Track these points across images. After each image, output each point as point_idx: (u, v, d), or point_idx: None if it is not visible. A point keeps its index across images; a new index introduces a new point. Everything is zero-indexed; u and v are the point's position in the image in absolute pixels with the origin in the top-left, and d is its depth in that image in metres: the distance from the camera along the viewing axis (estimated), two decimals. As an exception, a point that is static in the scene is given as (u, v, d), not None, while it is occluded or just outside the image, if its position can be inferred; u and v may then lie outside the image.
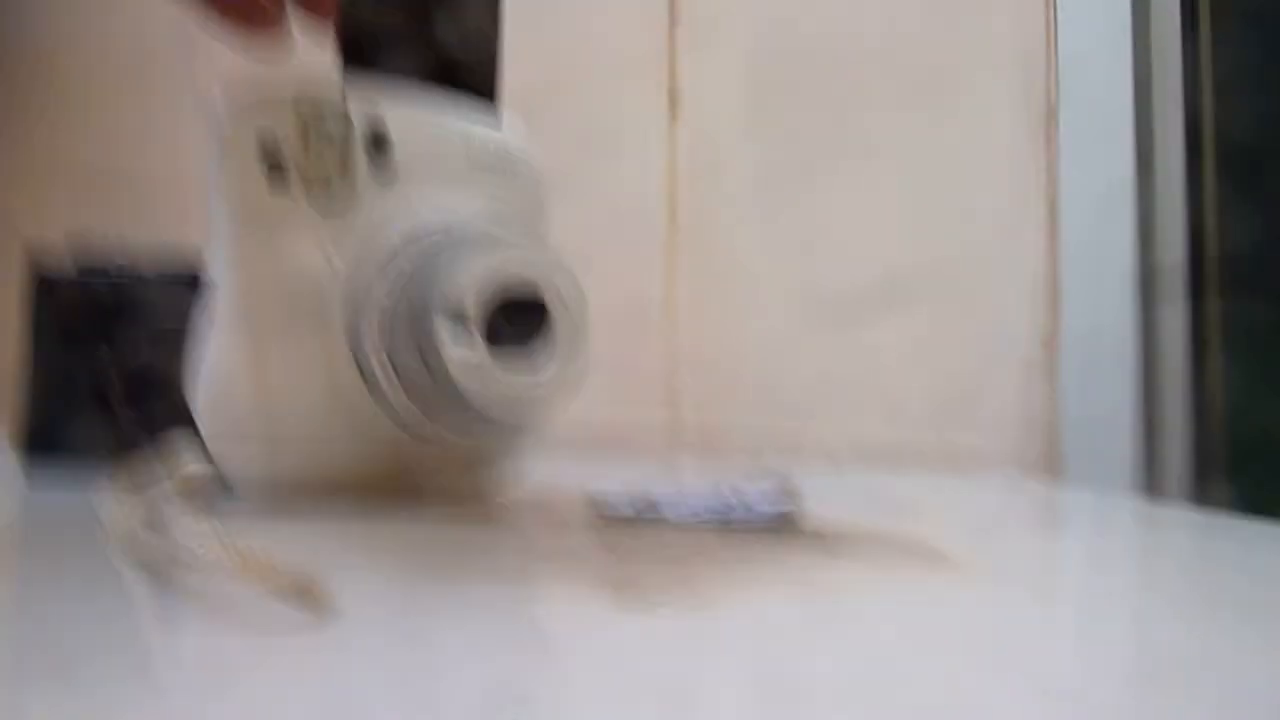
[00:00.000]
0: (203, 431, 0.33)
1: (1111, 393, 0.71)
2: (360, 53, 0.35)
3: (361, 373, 0.32)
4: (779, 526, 0.33)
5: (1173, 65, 0.72)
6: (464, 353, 0.29)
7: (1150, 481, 0.71)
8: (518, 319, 0.32)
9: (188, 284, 0.39)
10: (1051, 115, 0.74)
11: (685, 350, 0.75)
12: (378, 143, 0.33)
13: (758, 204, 0.75)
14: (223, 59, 0.34)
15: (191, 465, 0.32)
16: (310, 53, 0.34)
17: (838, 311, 0.74)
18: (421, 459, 0.34)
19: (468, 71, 0.37)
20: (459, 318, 0.29)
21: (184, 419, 0.33)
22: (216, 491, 0.33)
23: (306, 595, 0.18)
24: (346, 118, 0.33)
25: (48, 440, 0.39)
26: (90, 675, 0.15)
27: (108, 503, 0.27)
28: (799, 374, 0.74)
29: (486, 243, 0.31)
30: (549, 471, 0.40)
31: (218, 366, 0.32)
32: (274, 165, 0.32)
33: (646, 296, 0.75)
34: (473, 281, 0.30)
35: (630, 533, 0.31)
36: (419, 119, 0.35)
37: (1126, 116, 0.72)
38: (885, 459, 0.72)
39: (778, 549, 0.28)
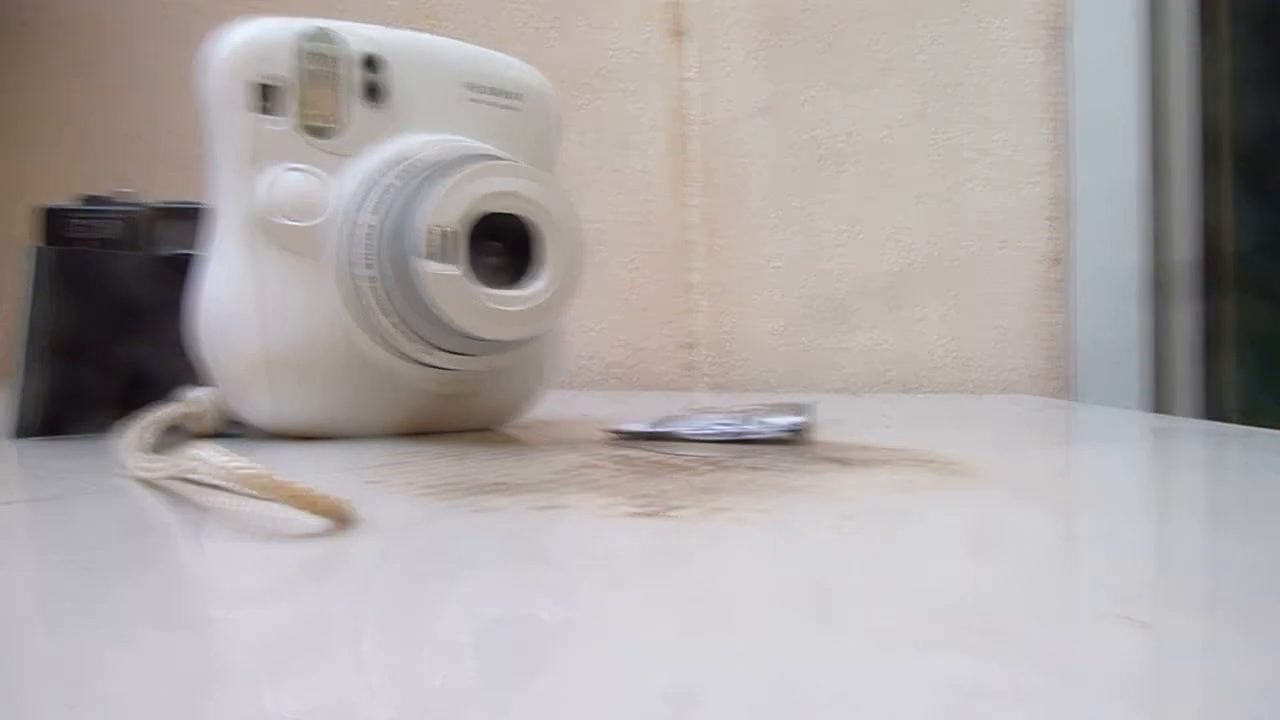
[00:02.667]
0: (204, 358, 0.33)
1: (1123, 313, 0.70)
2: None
3: (353, 292, 0.32)
4: (791, 440, 0.33)
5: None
6: (437, 266, 0.30)
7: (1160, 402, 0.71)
8: (511, 244, 0.33)
9: (188, 213, 0.39)
10: (1065, 30, 0.72)
11: (700, 281, 0.75)
12: (371, 65, 0.33)
13: (769, 126, 0.74)
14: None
15: (196, 395, 0.33)
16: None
17: (852, 237, 0.73)
18: (423, 384, 0.34)
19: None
20: (438, 233, 0.30)
21: (186, 348, 0.33)
22: (222, 419, 0.33)
23: (328, 508, 0.18)
24: (339, 41, 0.33)
25: (56, 385, 0.38)
26: (131, 578, 0.16)
27: (122, 436, 0.27)
28: (816, 302, 0.74)
29: (474, 162, 0.31)
30: (567, 402, 0.41)
31: (215, 292, 0.32)
32: (268, 91, 0.32)
33: (658, 227, 0.75)
34: (454, 197, 0.30)
35: (647, 448, 0.32)
36: (416, 44, 0.35)
37: (1141, 40, 0.71)
38: (903, 385, 0.73)
39: (791, 460, 0.29)
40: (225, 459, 0.19)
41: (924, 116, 0.73)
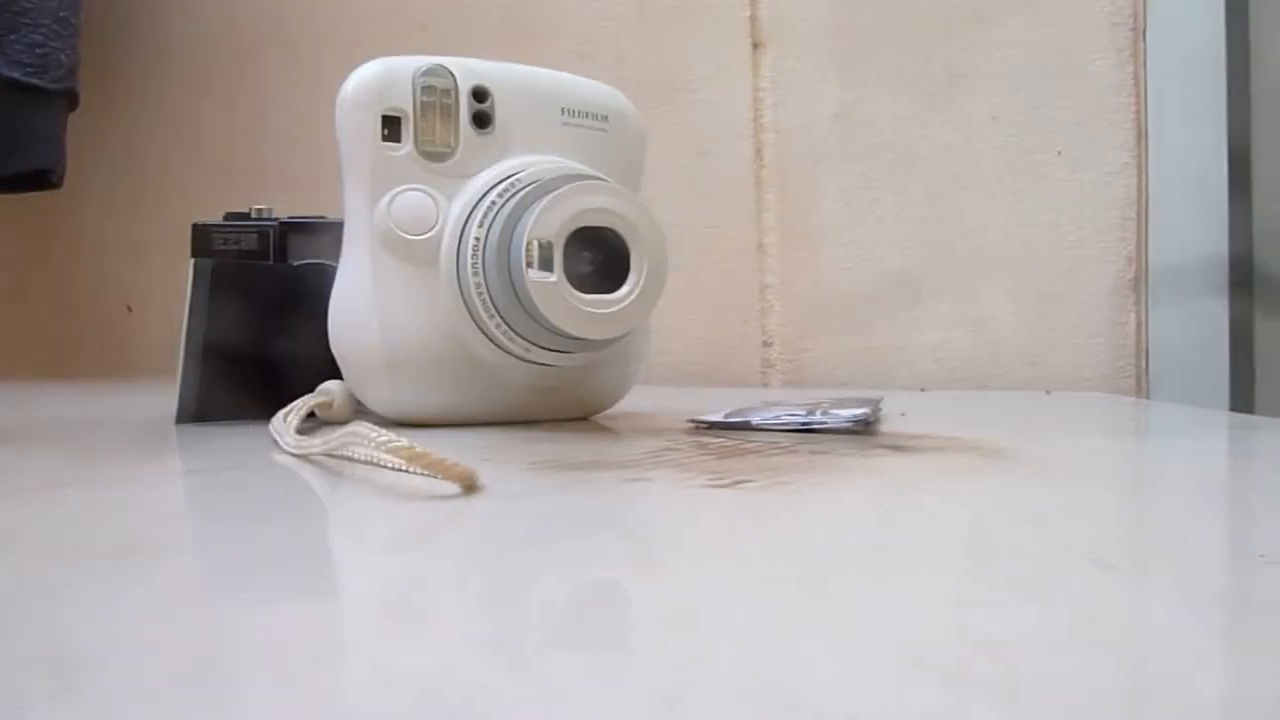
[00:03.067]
0: (335, 354, 0.38)
1: (1200, 313, 0.71)
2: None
3: (463, 298, 0.36)
4: (857, 431, 0.36)
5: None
6: (536, 274, 0.34)
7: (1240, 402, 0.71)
8: (602, 252, 0.37)
9: (314, 227, 0.44)
10: (1139, 30, 0.73)
11: (775, 282, 0.78)
12: (479, 96, 0.38)
13: (842, 132, 0.77)
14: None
15: (327, 386, 0.38)
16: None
17: (925, 238, 0.76)
18: (524, 379, 0.38)
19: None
20: (538, 244, 0.34)
21: (324, 347, 0.38)
22: (350, 408, 0.38)
23: (459, 474, 0.22)
24: (452, 76, 0.37)
25: (209, 377, 0.43)
26: (300, 524, 0.20)
27: (271, 421, 0.32)
28: (888, 301, 0.76)
29: (568, 181, 0.35)
30: (649, 396, 0.44)
31: (344, 296, 0.37)
32: (390, 121, 0.36)
33: (736, 231, 0.78)
34: (551, 213, 0.34)
35: (722, 435, 0.35)
36: (517, 76, 0.39)
37: (1220, 38, 0.71)
38: (975, 383, 0.75)
39: (850, 447, 0.32)
40: (377, 434, 0.23)
41: (995, 119, 0.75)
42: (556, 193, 0.35)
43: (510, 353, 0.37)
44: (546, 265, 0.34)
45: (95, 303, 0.94)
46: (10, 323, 0.96)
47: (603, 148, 0.40)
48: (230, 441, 0.34)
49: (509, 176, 0.37)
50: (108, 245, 0.93)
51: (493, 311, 0.36)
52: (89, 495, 0.23)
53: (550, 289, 0.34)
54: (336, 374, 0.38)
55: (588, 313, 0.35)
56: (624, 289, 0.36)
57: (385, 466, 0.25)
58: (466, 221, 0.36)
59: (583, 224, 0.35)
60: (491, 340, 0.36)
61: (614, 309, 0.36)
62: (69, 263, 0.95)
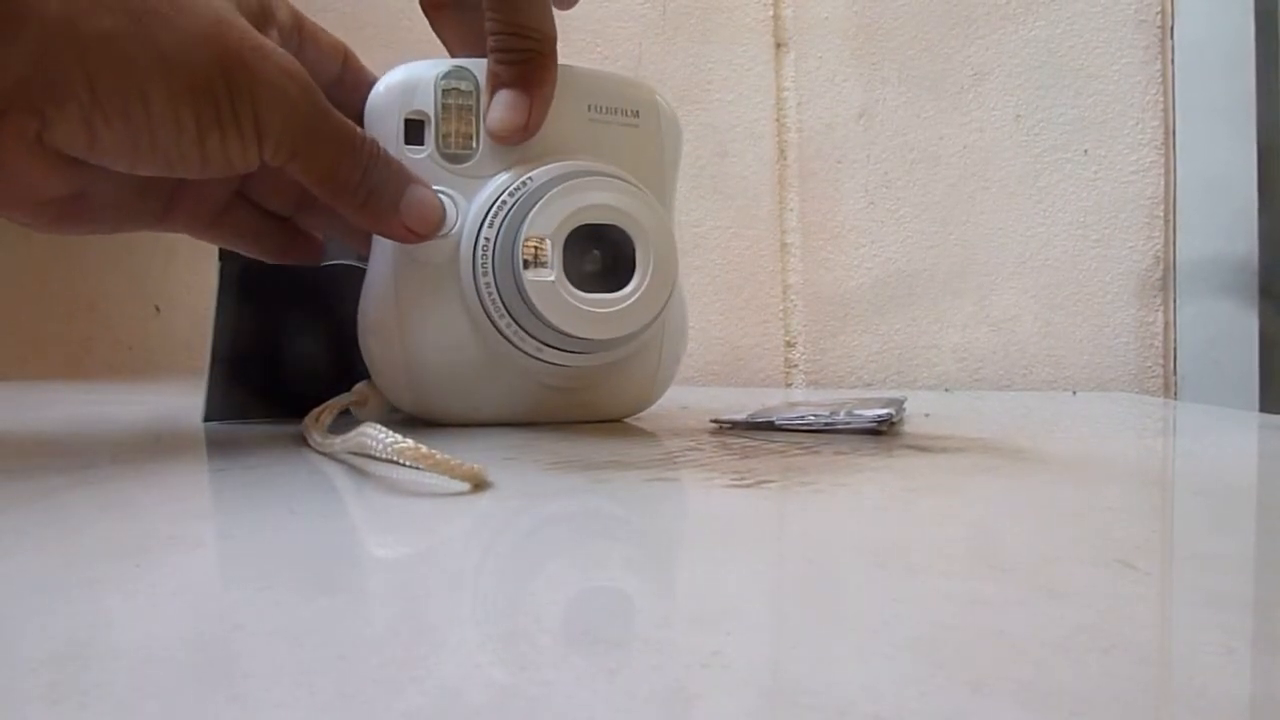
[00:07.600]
0: (365, 354, 0.38)
1: (1228, 313, 0.70)
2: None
3: (478, 298, 0.36)
4: (880, 431, 0.36)
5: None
6: (532, 273, 0.34)
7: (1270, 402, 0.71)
8: (614, 250, 0.36)
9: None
10: (1166, 28, 0.72)
11: (798, 282, 0.78)
12: None
13: (865, 132, 0.77)
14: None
15: (361, 386, 0.38)
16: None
17: (948, 238, 0.75)
18: (543, 379, 0.38)
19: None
20: (538, 243, 0.34)
21: (352, 346, 0.38)
22: (384, 406, 0.38)
23: (465, 473, 0.22)
24: (474, 76, 0.37)
25: (238, 377, 0.44)
26: (319, 522, 0.20)
27: (305, 419, 0.32)
28: (911, 301, 0.76)
29: (570, 179, 0.35)
30: (672, 397, 0.44)
31: (369, 297, 0.37)
32: (413, 124, 0.36)
33: (759, 231, 0.78)
34: (548, 210, 0.34)
35: (745, 435, 0.35)
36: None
37: (1248, 34, 0.71)
38: (998, 383, 0.74)
39: (873, 446, 0.32)
40: (386, 436, 0.23)
41: (1019, 118, 0.74)
42: (556, 190, 0.35)
43: (525, 352, 0.37)
44: (544, 264, 0.34)
45: (123, 303, 0.95)
46: (38, 323, 0.98)
47: (633, 144, 0.40)
48: (259, 439, 0.35)
49: (524, 175, 0.37)
50: (136, 246, 0.94)
51: (502, 311, 0.36)
52: (111, 492, 0.23)
53: (547, 288, 0.34)
54: (367, 373, 0.38)
55: (588, 312, 0.35)
56: (628, 288, 0.36)
57: (405, 465, 0.25)
58: (480, 222, 0.36)
59: (583, 221, 0.35)
60: (506, 339, 0.37)
61: (616, 308, 0.35)
62: (97, 263, 0.96)
